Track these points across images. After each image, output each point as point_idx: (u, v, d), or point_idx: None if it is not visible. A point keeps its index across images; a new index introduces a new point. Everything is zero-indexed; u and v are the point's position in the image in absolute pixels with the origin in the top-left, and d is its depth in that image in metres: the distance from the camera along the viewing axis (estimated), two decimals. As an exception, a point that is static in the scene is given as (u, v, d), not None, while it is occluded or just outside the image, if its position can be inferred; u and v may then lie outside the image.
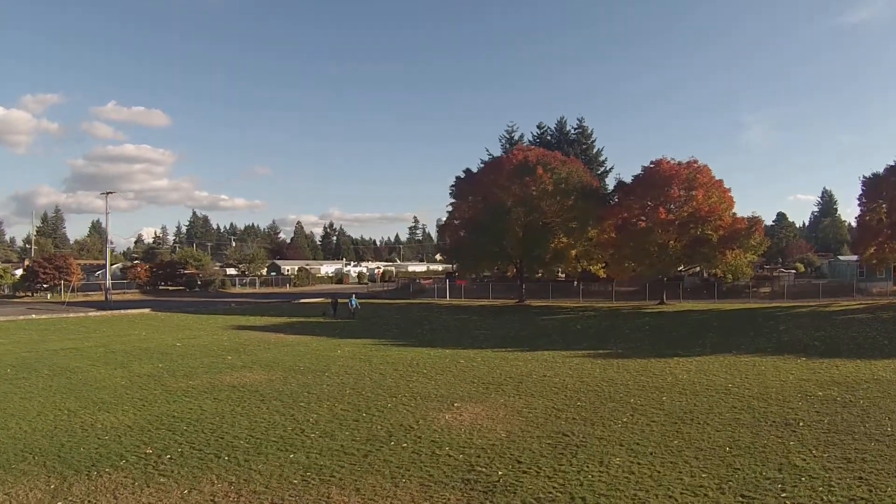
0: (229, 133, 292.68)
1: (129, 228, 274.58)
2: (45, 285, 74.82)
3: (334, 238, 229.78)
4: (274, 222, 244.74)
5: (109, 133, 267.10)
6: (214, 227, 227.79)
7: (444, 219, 66.97)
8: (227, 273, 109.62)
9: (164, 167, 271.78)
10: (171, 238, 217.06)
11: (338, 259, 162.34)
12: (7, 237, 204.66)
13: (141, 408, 17.27)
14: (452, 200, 62.67)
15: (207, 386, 20.13)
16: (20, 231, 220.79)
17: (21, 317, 48.47)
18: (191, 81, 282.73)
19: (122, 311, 53.63)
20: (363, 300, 62.23)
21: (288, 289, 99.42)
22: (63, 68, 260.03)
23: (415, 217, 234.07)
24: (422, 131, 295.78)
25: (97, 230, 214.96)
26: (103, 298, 70.24)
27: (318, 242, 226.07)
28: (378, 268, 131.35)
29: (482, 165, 63.47)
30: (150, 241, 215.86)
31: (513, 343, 31.04)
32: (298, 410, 16.38)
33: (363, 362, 24.78)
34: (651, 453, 11.91)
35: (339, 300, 49.40)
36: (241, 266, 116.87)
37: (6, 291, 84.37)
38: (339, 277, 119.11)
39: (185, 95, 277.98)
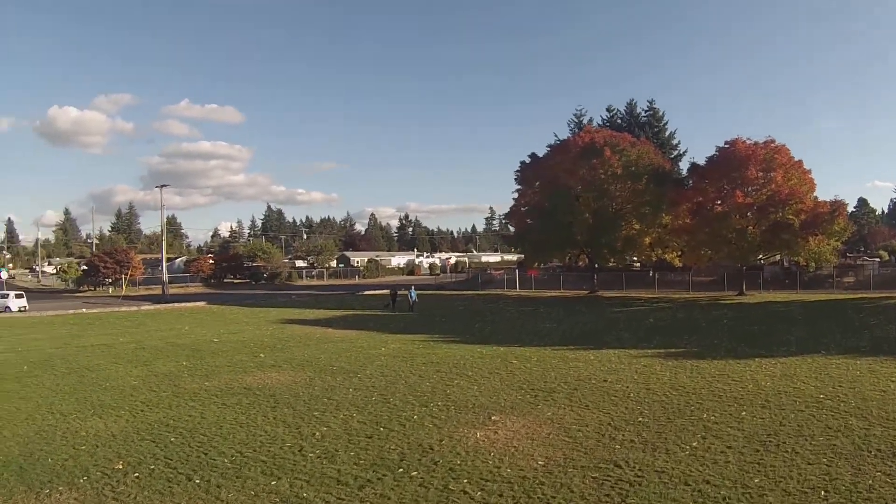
0: (304, 128, 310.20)
1: (207, 223, 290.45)
2: (107, 280, 77.51)
3: (410, 230, 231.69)
4: (349, 214, 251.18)
5: (184, 131, 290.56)
6: (290, 220, 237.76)
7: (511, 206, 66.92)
8: (296, 265, 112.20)
9: (240, 163, 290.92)
10: (246, 232, 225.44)
11: (412, 250, 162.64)
12: (83, 233, 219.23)
13: (138, 413, 16.50)
14: (518, 187, 63.14)
15: (223, 388, 19.23)
16: (101, 227, 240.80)
17: (71, 311, 50.45)
18: (263, 78, 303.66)
19: (176, 305, 54.89)
20: (430, 291, 61.99)
21: (357, 280, 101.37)
22: (135, 69, 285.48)
23: (490, 207, 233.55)
24: (496, 117, 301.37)
25: (171, 225, 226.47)
26: (157, 291, 72.56)
27: (395, 234, 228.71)
28: (448, 258, 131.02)
29: (548, 150, 61.81)
30: (227, 235, 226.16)
31: (577, 339, 29.13)
32: (308, 421, 14.97)
33: (404, 362, 23.34)
34: (724, 499, 9.56)
35: (399, 292, 48.40)
36: (309, 258, 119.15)
37: (70, 285, 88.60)
38: (411, 269, 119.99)
39: (258, 92, 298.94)
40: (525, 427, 13.90)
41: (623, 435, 13.11)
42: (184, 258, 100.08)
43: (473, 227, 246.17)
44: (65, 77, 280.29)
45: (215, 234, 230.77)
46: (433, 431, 13.77)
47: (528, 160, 62.16)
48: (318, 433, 13.95)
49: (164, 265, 67.78)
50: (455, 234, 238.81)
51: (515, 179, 62.59)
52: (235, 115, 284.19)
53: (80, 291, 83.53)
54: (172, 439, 13.93)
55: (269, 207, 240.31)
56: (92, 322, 42.38)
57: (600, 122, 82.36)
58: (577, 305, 48.15)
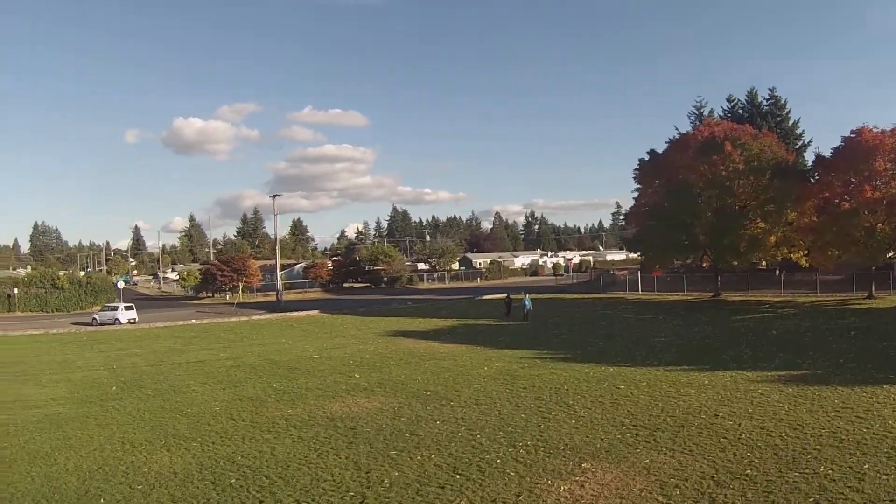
0: (429, 127, 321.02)
1: (336, 225, 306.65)
2: (225, 287, 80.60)
3: (536, 227, 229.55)
4: (473, 213, 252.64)
5: (309, 136, 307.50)
6: (416, 220, 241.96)
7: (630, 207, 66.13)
8: (418, 268, 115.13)
9: (365, 165, 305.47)
10: (372, 233, 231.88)
11: (537, 249, 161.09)
12: (210, 239, 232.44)
13: (209, 445, 16.25)
14: (637, 186, 61.81)
15: (304, 417, 18.79)
16: (226, 232, 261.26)
17: (180, 322, 52.38)
18: (386, 80, 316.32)
19: (288, 314, 55.98)
20: (549, 295, 61.66)
21: (478, 283, 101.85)
22: (257, 79, 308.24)
23: (616, 202, 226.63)
24: (622, 107, 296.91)
25: (297, 228, 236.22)
26: (276, 299, 74.66)
27: (521, 232, 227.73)
28: (572, 258, 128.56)
29: (667, 145, 59.05)
30: (353, 236, 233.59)
31: (693, 356, 26.81)
32: (381, 463, 13.96)
33: (504, 385, 22.08)
34: None
35: (513, 298, 47.07)
36: (431, 261, 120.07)
37: (190, 292, 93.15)
38: (534, 269, 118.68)
39: (381, 95, 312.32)
40: (616, 479, 12.16)
41: (726, 494, 11.15)
42: (302, 264, 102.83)
43: (600, 222, 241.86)
44: (188, 90, 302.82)
45: (342, 236, 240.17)
46: (513, 482, 12.32)
47: (646, 157, 60.31)
48: (387, 480, 12.84)
49: (279, 273, 69.61)
50: (582, 231, 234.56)
51: (634, 178, 60.72)
52: (359, 119, 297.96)
53: (199, 298, 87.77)
54: (233, 481, 13.36)
55: (394, 208, 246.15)
56: (197, 335, 43.97)
57: (721, 114, 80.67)
58: (697, 312, 45.49)
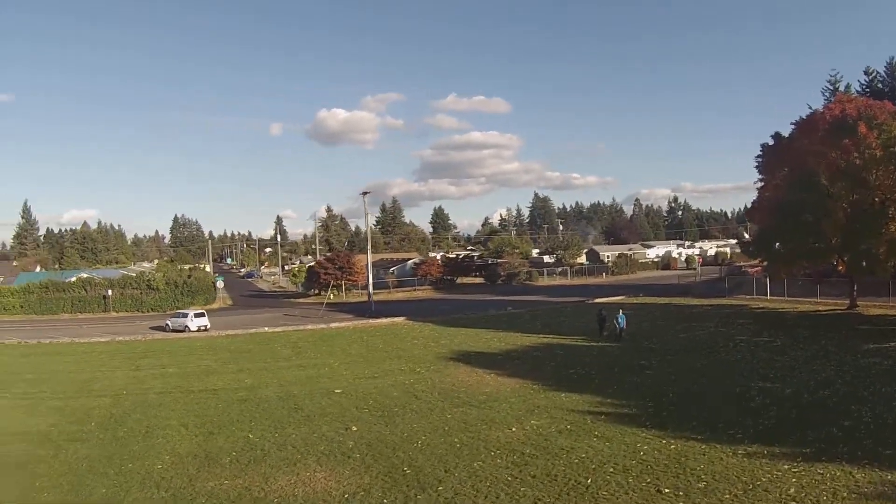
0: (575, 110, 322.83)
1: (481, 212, 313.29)
2: (331, 285, 79.17)
3: (679, 213, 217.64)
4: (614, 200, 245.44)
5: (453, 123, 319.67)
6: (560, 206, 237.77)
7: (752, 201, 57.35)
8: (544, 261, 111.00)
9: (512, 151, 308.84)
10: (514, 221, 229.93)
11: (676, 238, 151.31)
12: (353, 227, 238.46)
13: None
14: (760, 177, 52.98)
15: (231, 496, 16.16)
16: (357, 225, 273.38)
17: (251, 329, 51.43)
18: (526, 67, 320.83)
19: (370, 322, 53.73)
20: (667, 300, 58.04)
21: (603, 278, 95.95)
22: (400, 70, 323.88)
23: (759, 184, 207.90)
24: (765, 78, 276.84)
25: (438, 217, 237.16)
26: (384, 297, 72.41)
27: (665, 218, 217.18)
28: (708, 249, 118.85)
29: (793, 128, 49.85)
30: (497, 223, 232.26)
31: (794, 427, 19.94)
32: None
33: (514, 468, 17.38)
34: None
35: (604, 313, 41.56)
36: (558, 253, 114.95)
37: (300, 289, 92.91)
38: (666, 262, 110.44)
39: (522, 82, 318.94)
40: None
41: None
42: (415, 260, 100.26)
43: (745, 206, 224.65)
44: (331, 83, 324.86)
45: (486, 223, 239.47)
46: None
47: (770, 142, 51.54)
48: None
49: (370, 275, 66.81)
50: (729, 216, 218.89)
51: (756, 167, 51.69)
52: (503, 105, 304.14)
53: (308, 295, 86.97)
54: None
55: (535, 195, 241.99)
56: (252, 349, 42.49)
57: (858, 89, 72.63)
58: (824, 335, 37.24)
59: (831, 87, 73.81)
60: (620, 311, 40.17)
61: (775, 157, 49.87)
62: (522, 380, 28.29)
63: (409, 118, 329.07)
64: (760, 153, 51.37)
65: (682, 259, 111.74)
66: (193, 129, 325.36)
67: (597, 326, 40.95)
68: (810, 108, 65.93)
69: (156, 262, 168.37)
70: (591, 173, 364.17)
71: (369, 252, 68.74)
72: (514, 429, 20.73)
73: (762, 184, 51.85)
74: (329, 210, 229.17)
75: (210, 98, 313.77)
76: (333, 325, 53.16)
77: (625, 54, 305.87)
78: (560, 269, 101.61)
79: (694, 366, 30.45)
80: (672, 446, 18.31)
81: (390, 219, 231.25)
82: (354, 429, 21.64)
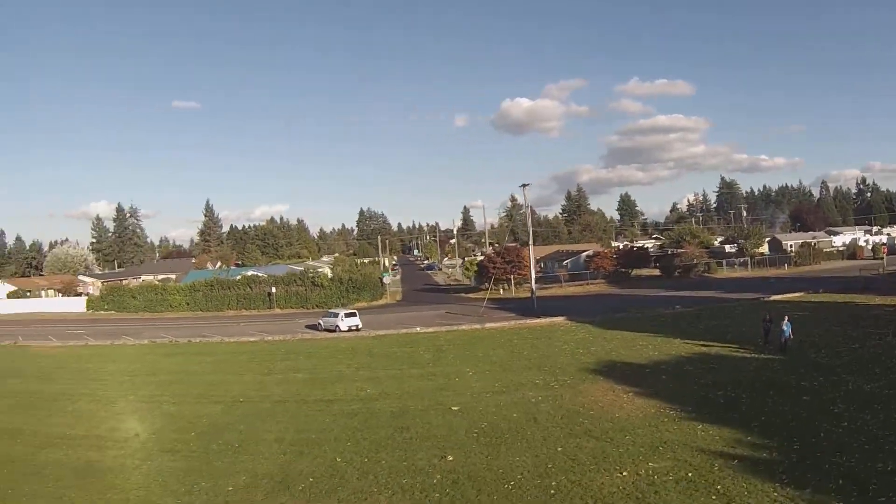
0: (758, 94, 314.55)
1: (668, 197, 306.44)
2: (493, 280, 77.85)
3: (868, 195, 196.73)
4: (801, 183, 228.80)
5: (638, 108, 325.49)
6: (747, 189, 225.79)
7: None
8: (726, 251, 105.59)
9: (697, 134, 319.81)
10: (709, 205, 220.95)
11: (868, 222, 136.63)
12: (540, 215, 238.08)
13: None
14: None
15: None
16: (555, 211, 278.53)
17: (402, 330, 51.18)
18: (708, 49, 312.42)
19: (527, 322, 51.85)
20: (847, 296, 51.98)
21: (785, 270, 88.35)
22: (580, 56, 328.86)
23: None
24: None
25: (625, 204, 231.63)
26: (554, 292, 69.78)
27: (854, 202, 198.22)
28: (887, 240, 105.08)
29: None
30: (684, 209, 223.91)
31: None
32: None
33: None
34: None
35: (769, 319, 36.20)
36: (738, 242, 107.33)
37: (472, 282, 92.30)
38: (851, 251, 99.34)
39: (706, 63, 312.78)
40: None
41: None
42: (588, 252, 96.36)
43: None
44: (513, 73, 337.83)
45: (673, 209, 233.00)
46: None
47: None
48: None
49: (533, 273, 64.01)
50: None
51: None
52: (686, 88, 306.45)
53: (479, 289, 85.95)
54: None
55: (721, 179, 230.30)
56: (395, 351, 41.72)
57: None
58: None
59: None
60: (786, 317, 34.84)
61: None
62: (660, 402, 24.75)
63: (594, 104, 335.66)
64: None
65: (869, 247, 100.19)
66: (380, 125, 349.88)
67: (761, 333, 36.13)
68: None
69: (335, 256, 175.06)
70: (779, 155, 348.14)
71: (531, 248, 66.12)
72: (625, 473, 17.62)
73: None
74: (513, 199, 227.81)
75: (394, 93, 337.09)
76: (488, 325, 51.37)
77: (810, 32, 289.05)
78: (739, 260, 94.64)
79: (862, 389, 25.01)
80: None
81: (575, 207, 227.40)
82: (450, 458, 19.66)
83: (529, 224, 70.11)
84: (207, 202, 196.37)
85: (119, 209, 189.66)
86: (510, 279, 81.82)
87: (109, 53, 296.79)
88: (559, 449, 20.12)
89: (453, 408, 26.15)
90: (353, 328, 52.04)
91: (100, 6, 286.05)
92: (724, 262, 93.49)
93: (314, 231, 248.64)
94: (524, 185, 65.81)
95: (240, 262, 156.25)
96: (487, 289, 75.97)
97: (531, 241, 65.69)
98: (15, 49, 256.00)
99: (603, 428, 22.10)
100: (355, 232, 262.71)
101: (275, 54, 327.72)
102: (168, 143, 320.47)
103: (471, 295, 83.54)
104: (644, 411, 23.83)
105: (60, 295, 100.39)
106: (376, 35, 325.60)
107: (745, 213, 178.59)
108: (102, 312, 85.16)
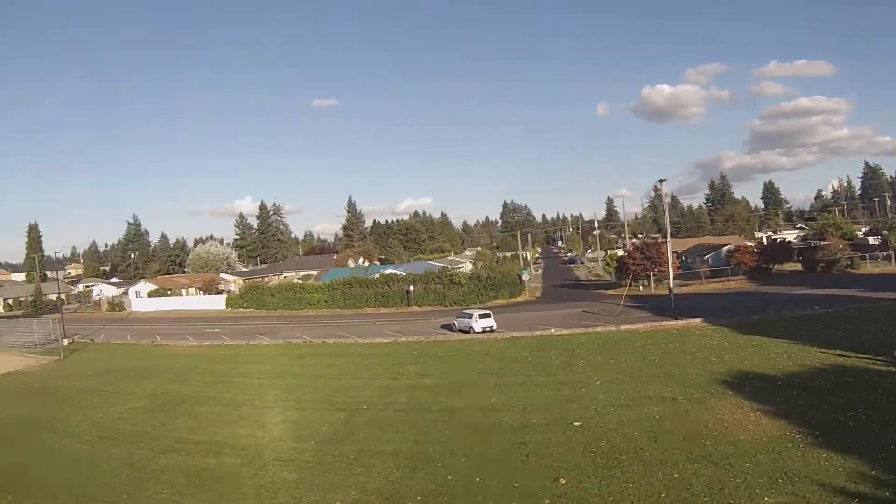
0: None
1: (816, 184, 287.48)
2: (631, 278, 76.11)
3: None
4: None
5: (778, 90, 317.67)
6: (892, 175, 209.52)
7: None
8: (870, 243, 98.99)
9: (840, 116, 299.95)
10: (853, 191, 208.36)
11: None
12: (685, 205, 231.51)
13: None
14: None
15: None
16: (699, 200, 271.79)
17: (527, 333, 50.55)
18: (846, 25, 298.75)
19: (664, 324, 50.25)
20: None
21: None
22: (718, 38, 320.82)
23: None
24: None
25: (769, 192, 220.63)
26: (694, 288, 66.74)
27: None
28: None
29: None
30: (829, 196, 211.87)
31: None
32: None
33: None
34: None
35: None
36: (883, 234, 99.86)
37: (613, 279, 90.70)
38: None
39: (844, 40, 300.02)
40: None
41: None
42: (729, 246, 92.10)
43: None
44: (651, 59, 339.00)
45: (818, 196, 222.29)
46: None
47: None
48: None
49: (671, 270, 61.68)
50: None
51: None
52: (826, 68, 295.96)
53: (620, 286, 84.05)
54: None
55: (866, 164, 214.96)
56: (526, 355, 41.20)
57: None
58: None
59: None
60: None
61: None
62: (788, 424, 23.15)
63: (735, 88, 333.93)
64: None
65: None
66: (520, 119, 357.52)
67: None
68: None
69: (478, 249, 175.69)
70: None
71: (668, 245, 63.97)
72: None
73: None
74: (657, 188, 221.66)
75: (533, 88, 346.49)
76: (623, 326, 50.13)
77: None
78: (884, 253, 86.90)
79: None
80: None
81: (718, 196, 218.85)
82: (563, 482, 19.39)
83: (667, 221, 67.79)
84: (350, 198, 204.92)
85: (262, 206, 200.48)
86: (650, 275, 79.86)
87: (250, 62, 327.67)
88: (675, 475, 19.43)
89: (575, 423, 25.76)
90: (488, 329, 52.13)
91: (233, 13, 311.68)
92: (867, 255, 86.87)
93: (458, 224, 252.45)
94: (661, 181, 63.92)
95: (383, 258, 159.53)
96: (627, 285, 74.21)
97: (668, 237, 63.73)
98: (167, 61, 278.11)
99: (724, 452, 21.07)
100: (499, 224, 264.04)
101: (420, 58, 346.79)
102: (309, 140, 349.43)
103: (610, 291, 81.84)
104: (769, 433, 22.53)
105: (201, 293, 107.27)
106: (516, 34, 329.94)
107: (889, 202, 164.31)
108: (241, 311, 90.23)
